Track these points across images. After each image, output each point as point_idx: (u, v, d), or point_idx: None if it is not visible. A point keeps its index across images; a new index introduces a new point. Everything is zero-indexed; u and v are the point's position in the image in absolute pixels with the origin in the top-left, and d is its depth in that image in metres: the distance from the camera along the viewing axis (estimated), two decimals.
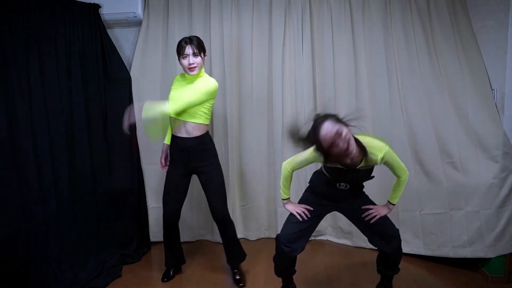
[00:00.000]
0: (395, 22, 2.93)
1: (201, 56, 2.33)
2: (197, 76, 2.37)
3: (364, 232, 2.20)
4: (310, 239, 3.25)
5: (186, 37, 2.34)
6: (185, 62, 2.30)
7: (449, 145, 2.73)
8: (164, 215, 2.54)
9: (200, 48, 2.33)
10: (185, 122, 2.37)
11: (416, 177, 2.81)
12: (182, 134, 2.39)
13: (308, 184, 2.31)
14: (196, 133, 2.39)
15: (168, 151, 2.56)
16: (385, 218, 2.11)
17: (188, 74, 2.33)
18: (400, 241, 2.13)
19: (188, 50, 2.28)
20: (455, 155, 2.69)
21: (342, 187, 2.07)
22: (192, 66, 2.29)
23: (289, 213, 2.22)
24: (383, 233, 2.11)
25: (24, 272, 2.32)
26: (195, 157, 2.43)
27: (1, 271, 2.24)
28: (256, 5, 3.11)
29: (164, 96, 3.16)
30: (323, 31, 3.07)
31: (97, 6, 2.89)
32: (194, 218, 3.29)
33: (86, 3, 2.83)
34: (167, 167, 2.58)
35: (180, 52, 2.31)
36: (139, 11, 3.03)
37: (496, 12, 2.52)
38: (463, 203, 2.65)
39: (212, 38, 3.11)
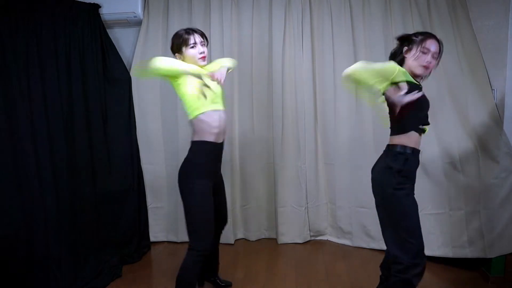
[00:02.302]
0: (395, 22, 2.93)
1: (206, 46, 2.14)
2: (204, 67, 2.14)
3: None
4: (310, 239, 3.29)
5: (186, 28, 2.11)
6: (194, 51, 2.05)
7: (449, 145, 2.72)
8: (205, 249, 2.04)
9: (206, 37, 2.15)
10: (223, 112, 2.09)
11: (416, 177, 2.81)
12: (221, 138, 2.10)
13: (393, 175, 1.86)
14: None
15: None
16: None
17: (198, 64, 2.07)
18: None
19: (196, 38, 2.06)
20: (455, 155, 2.69)
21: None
22: (204, 55, 2.08)
23: None
24: None
25: (24, 272, 2.32)
26: (219, 164, 2.20)
27: (1, 271, 2.24)
28: (256, 5, 3.11)
29: (164, 96, 3.19)
30: (323, 31, 3.08)
31: (97, 6, 2.90)
32: None
33: (86, 3, 2.83)
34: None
35: (184, 42, 2.05)
36: (139, 11, 3.03)
37: (496, 12, 2.52)
38: (463, 203, 2.64)
39: (212, 38, 3.11)
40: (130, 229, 3.04)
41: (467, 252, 2.61)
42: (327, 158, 3.22)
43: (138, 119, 3.15)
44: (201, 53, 2.07)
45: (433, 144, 2.77)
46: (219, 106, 2.09)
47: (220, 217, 2.29)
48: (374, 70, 1.77)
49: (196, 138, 2.05)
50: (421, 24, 2.87)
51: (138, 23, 3.13)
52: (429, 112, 2.77)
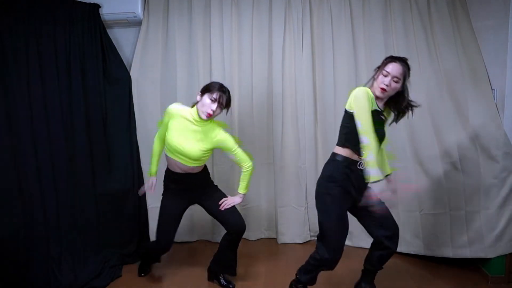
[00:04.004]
0: (395, 22, 2.93)
1: (221, 110, 2.29)
2: (208, 122, 2.31)
3: (369, 221, 2.19)
4: (310, 239, 3.29)
5: (224, 86, 2.27)
6: (208, 104, 2.21)
7: (449, 145, 2.72)
8: (164, 241, 2.50)
9: (228, 104, 2.29)
10: (188, 164, 2.36)
11: (416, 177, 2.81)
12: (181, 171, 2.39)
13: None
14: (198, 170, 2.44)
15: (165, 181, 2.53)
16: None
17: (201, 115, 2.24)
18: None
19: (219, 98, 2.21)
20: (455, 155, 2.69)
21: (360, 167, 2.05)
22: (210, 113, 2.21)
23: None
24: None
25: (24, 272, 2.32)
26: (197, 189, 2.48)
27: (1, 271, 2.25)
28: (256, 5, 3.11)
29: (164, 96, 3.18)
30: (323, 31, 3.08)
31: (97, 6, 2.89)
32: (194, 218, 3.29)
33: (86, 3, 2.83)
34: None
35: (210, 90, 2.23)
36: (139, 11, 3.03)
37: (496, 12, 2.52)
38: (463, 203, 2.65)
39: (212, 38, 3.11)
40: (130, 229, 3.04)
41: (467, 252, 2.62)
42: (327, 158, 3.21)
43: (138, 119, 3.14)
44: (211, 109, 2.21)
45: (433, 144, 2.77)
46: (183, 161, 2.33)
47: (234, 231, 2.43)
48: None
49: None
50: (421, 24, 2.87)
51: (138, 23, 3.13)
52: (429, 111, 2.80)
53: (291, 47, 3.11)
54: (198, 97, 2.27)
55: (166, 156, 2.40)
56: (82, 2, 2.81)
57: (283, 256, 3.04)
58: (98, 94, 2.87)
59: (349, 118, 2.00)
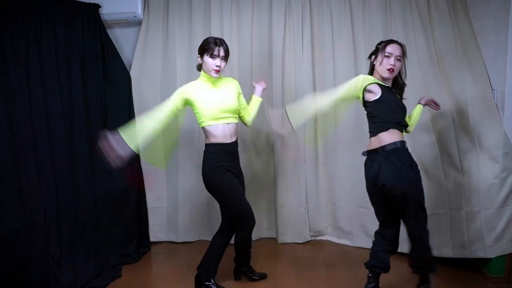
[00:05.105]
0: (395, 22, 2.94)
1: (226, 62, 2.30)
2: (219, 78, 2.35)
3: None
4: (310, 239, 3.29)
5: (216, 38, 2.28)
6: (212, 62, 2.23)
7: (449, 145, 2.72)
8: (252, 224, 2.37)
9: (228, 53, 2.30)
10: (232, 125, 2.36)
11: None
12: (229, 139, 2.33)
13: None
14: (236, 135, 2.39)
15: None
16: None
17: (210, 75, 2.27)
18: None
19: (219, 51, 2.23)
20: (455, 155, 2.69)
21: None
22: (218, 69, 2.24)
23: None
24: None
25: (24, 272, 2.32)
26: (237, 160, 2.46)
27: (1, 271, 2.25)
28: (256, 4, 3.12)
29: (164, 96, 3.17)
30: (323, 31, 3.08)
31: (97, 6, 2.90)
32: (194, 218, 3.29)
33: (86, 3, 2.83)
34: None
35: (207, 50, 2.23)
36: (139, 11, 3.04)
37: (496, 12, 2.52)
38: (463, 203, 2.65)
39: None
40: (130, 229, 3.04)
41: (467, 252, 2.61)
42: (327, 158, 3.21)
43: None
44: (217, 66, 2.24)
45: (433, 144, 2.77)
46: (224, 120, 2.28)
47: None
48: (340, 97, 2.14)
49: (206, 141, 2.33)
50: (421, 24, 2.87)
51: (138, 23, 3.13)
52: (429, 111, 2.80)
53: (291, 46, 3.11)
54: (199, 59, 2.30)
55: (210, 129, 2.28)
56: (82, 2, 2.81)
57: (283, 256, 3.04)
58: (98, 94, 2.87)
59: (364, 106, 2.17)
